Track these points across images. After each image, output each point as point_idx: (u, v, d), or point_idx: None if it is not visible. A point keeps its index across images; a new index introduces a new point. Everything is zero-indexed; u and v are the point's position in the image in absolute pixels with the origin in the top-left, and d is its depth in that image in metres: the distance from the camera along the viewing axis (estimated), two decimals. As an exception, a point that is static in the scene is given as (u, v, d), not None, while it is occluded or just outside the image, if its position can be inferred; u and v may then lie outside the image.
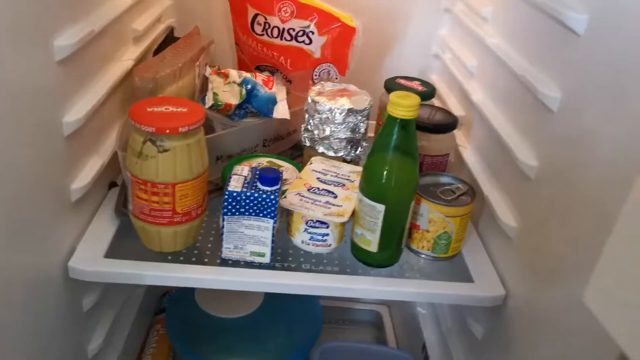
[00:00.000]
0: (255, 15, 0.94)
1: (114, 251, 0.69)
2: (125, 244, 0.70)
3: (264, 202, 0.67)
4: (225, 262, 0.70)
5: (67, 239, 0.67)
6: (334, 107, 0.80)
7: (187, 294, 1.09)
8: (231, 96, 0.84)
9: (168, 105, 0.65)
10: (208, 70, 0.88)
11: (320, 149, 0.83)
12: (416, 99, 0.64)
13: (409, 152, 0.67)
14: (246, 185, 0.68)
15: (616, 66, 0.52)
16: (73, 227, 0.69)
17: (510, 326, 0.69)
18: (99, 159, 0.73)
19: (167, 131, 0.61)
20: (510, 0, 0.81)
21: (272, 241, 0.69)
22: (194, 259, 0.70)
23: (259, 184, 0.68)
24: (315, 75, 0.96)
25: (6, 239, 0.53)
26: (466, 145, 0.91)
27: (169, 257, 0.69)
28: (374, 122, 0.97)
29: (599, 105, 0.54)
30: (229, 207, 0.67)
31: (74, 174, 0.67)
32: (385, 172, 0.67)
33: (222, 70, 0.88)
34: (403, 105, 0.64)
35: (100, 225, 0.73)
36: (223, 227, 0.68)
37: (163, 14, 0.99)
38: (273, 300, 1.09)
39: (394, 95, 0.65)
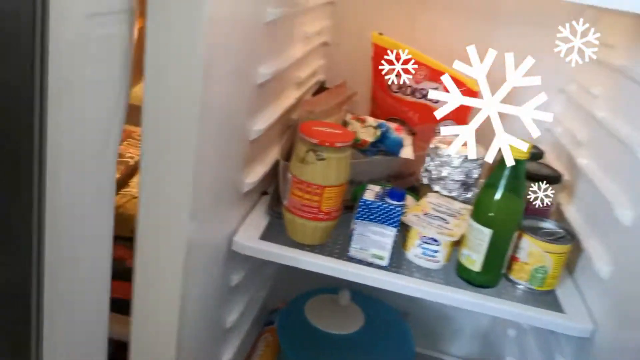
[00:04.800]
0: (394, 76, 1.14)
1: (266, 236, 0.87)
2: (273, 234, 0.88)
3: (391, 213, 0.82)
4: (350, 259, 0.85)
5: (234, 220, 0.87)
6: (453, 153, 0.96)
7: (297, 309, 1.24)
8: (367, 135, 1.03)
9: (327, 127, 0.84)
10: (348, 116, 1.08)
11: (436, 188, 0.98)
12: (529, 144, 0.78)
13: (517, 188, 0.80)
14: (378, 197, 0.84)
15: None
16: (239, 212, 0.88)
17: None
18: (264, 166, 0.93)
19: (327, 144, 0.80)
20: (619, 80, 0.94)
21: (392, 247, 0.84)
22: (326, 253, 0.86)
23: (387, 198, 0.84)
24: (437, 129, 1.13)
25: (210, 214, 0.73)
26: (567, 203, 1.01)
27: (307, 248, 0.86)
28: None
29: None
30: (362, 213, 0.83)
31: (248, 171, 0.87)
32: (495, 202, 0.80)
33: (361, 117, 1.08)
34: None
35: (256, 217, 0.92)
36: (354, 230, 0.84)
37: (317, 70, 1.22)
38: (372, 326, 1.21)
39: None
